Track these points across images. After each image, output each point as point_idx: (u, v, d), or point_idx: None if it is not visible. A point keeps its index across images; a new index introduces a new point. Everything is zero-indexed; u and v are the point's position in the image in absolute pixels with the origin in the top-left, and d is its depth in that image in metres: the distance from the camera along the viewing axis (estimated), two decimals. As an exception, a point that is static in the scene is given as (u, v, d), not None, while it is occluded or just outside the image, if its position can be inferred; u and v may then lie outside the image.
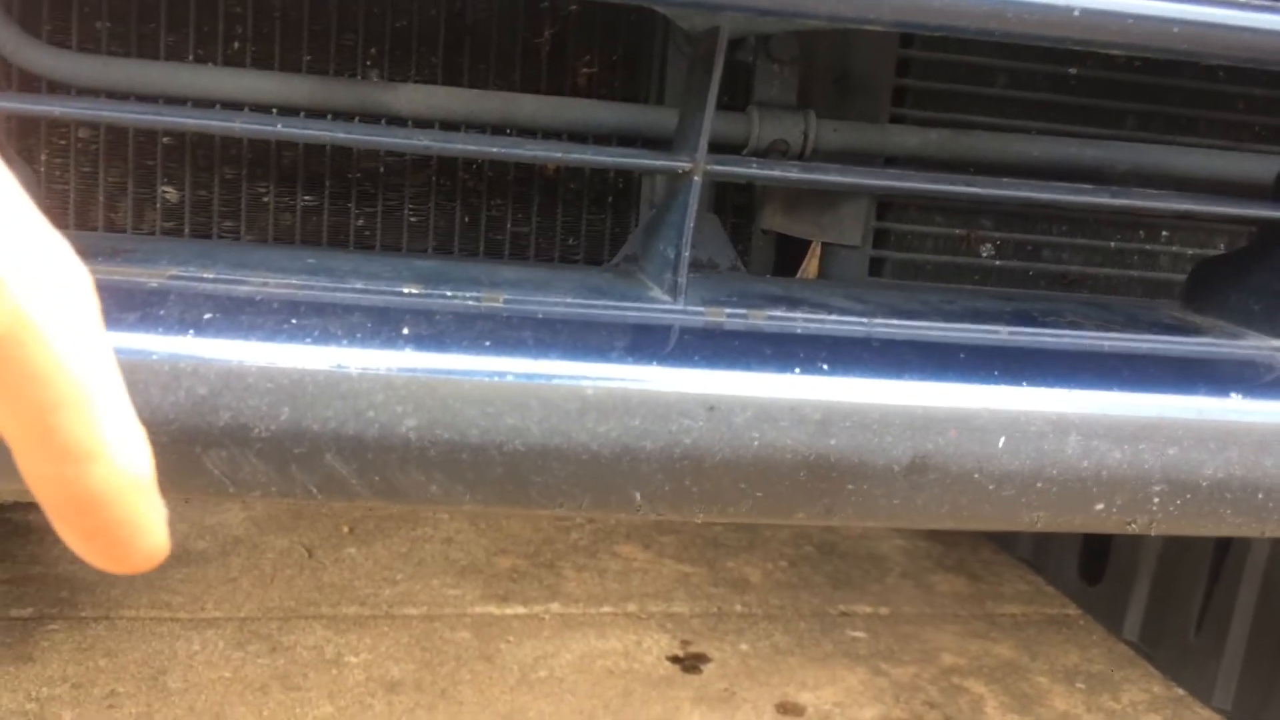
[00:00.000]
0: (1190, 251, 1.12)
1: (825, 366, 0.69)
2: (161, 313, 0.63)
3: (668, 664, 2.14)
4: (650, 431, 0.65)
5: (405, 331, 0.65)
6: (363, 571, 2.38)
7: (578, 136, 0.98)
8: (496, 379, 0.64)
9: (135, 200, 0.97)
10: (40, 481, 0.34)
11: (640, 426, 0.65)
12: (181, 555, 2.37)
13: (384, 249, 1.00)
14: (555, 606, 2.32)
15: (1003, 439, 0.69)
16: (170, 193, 0.96)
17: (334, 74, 0.98)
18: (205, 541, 2.45)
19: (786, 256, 1.16)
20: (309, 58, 0.98)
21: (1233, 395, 0.73)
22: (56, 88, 0.94)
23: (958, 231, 1.09)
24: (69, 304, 0.33)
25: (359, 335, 0.64)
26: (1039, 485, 0.70)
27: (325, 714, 1.87)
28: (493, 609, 2.28)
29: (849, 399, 0.68)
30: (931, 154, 1.00)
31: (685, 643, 2.23)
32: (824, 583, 2.56)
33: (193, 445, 0.61)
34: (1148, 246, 1.14)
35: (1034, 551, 2.68)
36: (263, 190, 0.97)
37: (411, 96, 0.91)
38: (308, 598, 2.25)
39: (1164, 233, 1.14)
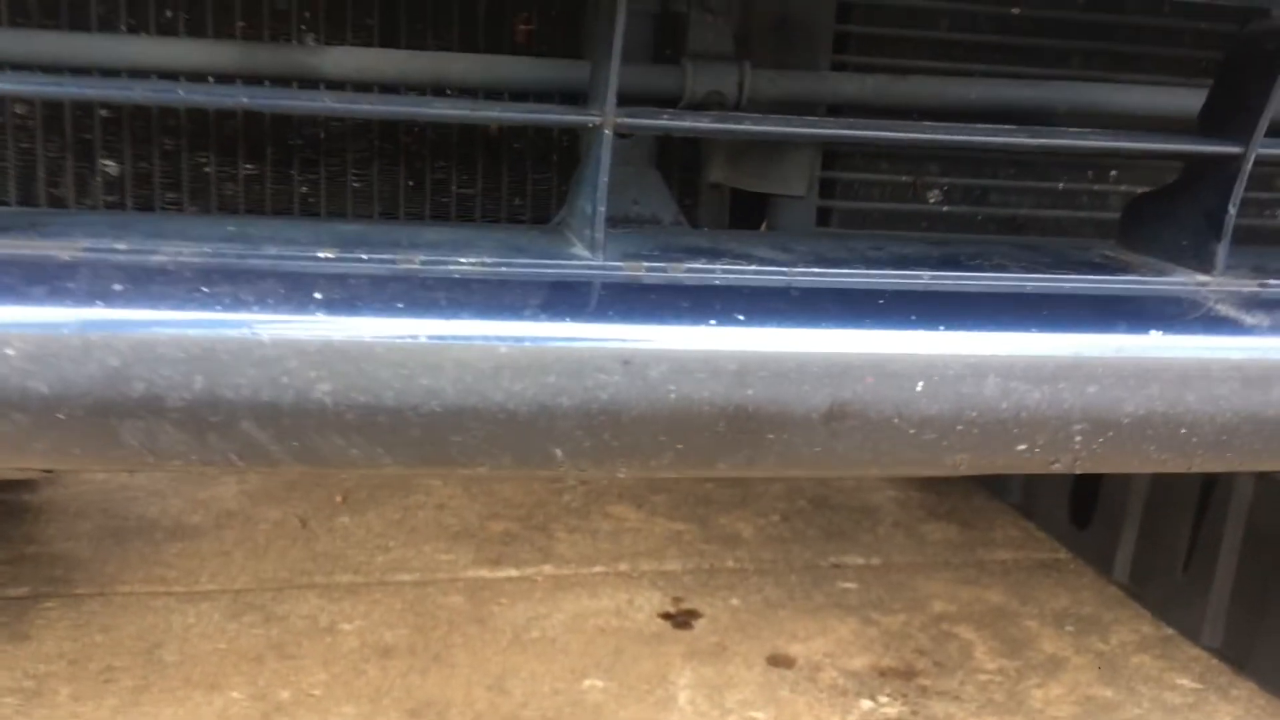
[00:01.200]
0: (1140, 190, 1.11)
1: (741, 317, 0.69)
2: (71, 285, 0.63)
3: (659, 621, 2.16)
4: (566, 388, 0.65)
5: (317, 296, 0.65)
6: (356, 540, 2.40)
7: (518, 95, 0.98)
8: (409, 341, 0.65)
9: (75, 175, 0.97)
10: None
11: (556, 383, 0.65)
12: (175, 529, 2.39)
13: (329, 215, 1.00)
14: (547, 568, 2.34)
15: (920, 383, 0.69)
16: (110, 166, 0.96)
17: (268, 40, 0.97)
18: (199, 515, 2.47)
19: (746, 211, 1.15)
20: (242, 23, 0.98)
21: (1153, 332, 0.73)
22: (-7, 65, 0.94)
23: (904, 179, 1.09)
24: None
25: (270, 301, 0.64)
26: (959, 428, 0.71)
27: (320, 681, 1.89)
28: (485, 573, 2.30)
29: (765, 348, 0.68)
30: (869, 100, 1.00)
31: (677, 599, 2.25)
32: (816, 536, 2.58)
33: (108, 417, 0.62)
34: (1096, 187, 1.14)
35: (1024, 497, 2.69)
36: (203, 160, 0.97)
37: (339, 60, 0.91)
38: (301, 568, 2.27)
39: (1112, 172, 1.13)
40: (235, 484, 2.60)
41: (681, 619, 2.19)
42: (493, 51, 0.99)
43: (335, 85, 0.95)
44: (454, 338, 0.65)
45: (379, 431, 0.65)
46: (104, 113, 0.96)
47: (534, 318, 0.67)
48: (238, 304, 0.64)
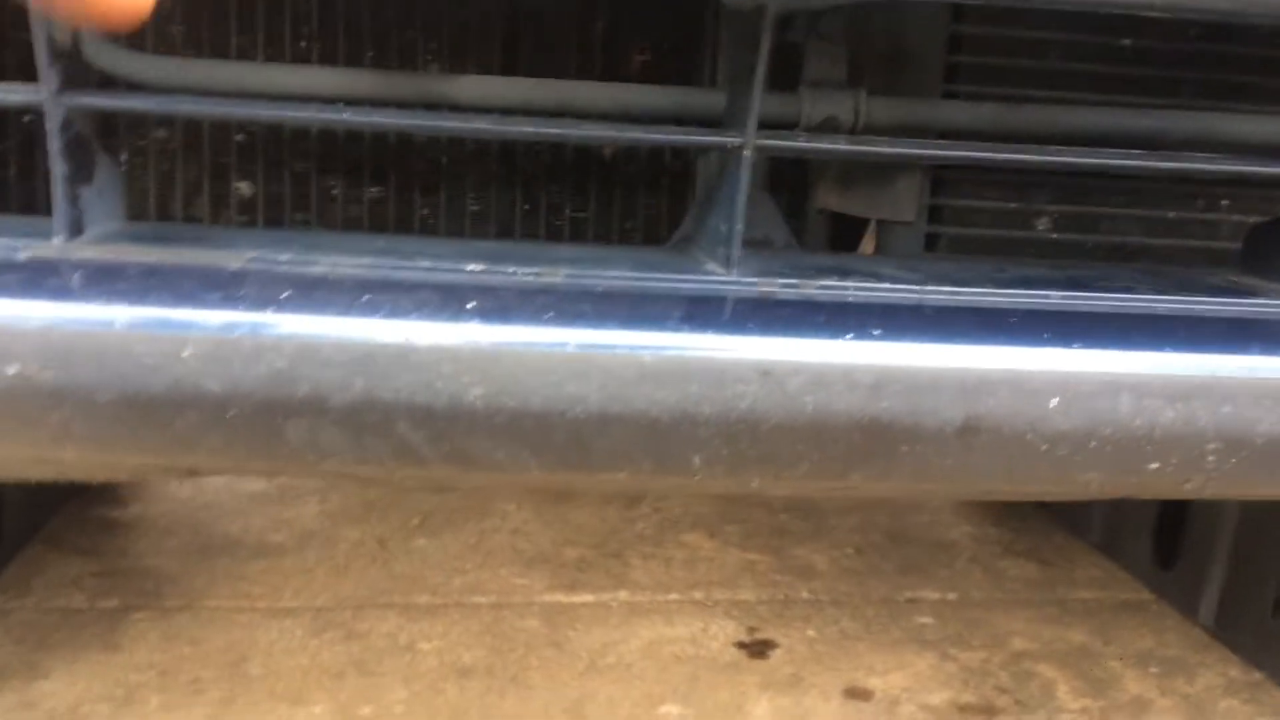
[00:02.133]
0: (1252, 219, 1.11)
1: (877, 331, 0.70)
2: (242, 292, 0.66)
3: (734, 650, 2.16)
4: (707, 397, 0.67)
5: (470, 305, 0.68)
6: (433, 562, 2.43)
7: (634, 122, 1.00)
8: (558, 349, 0.67)
9: (212, 195, 1.01)
10: None
11: (697, 392, 0.67)
12: (259, 547, 2.44)
13: (448, 237, 1.03)
14: (622, 594, 2.35)
15: (1055, 399, 0.70)
16: (244, 187, 1.00)
17: (397, 68, 1.01)
18: (282, 534, 2.52)
19: (843, 236, 1.17)
20: (372, 54, 1.02)
21: (1287, 353, 0.73)
22: (132, 89, 0.99)
23: (1013, 205, 1.09)
24: None
25: (426, 310, 0.67)
26: (1092, 445, 0.71)
27: (400, 698, 1.92)
28: (560, 597, 2.32)
29: (900, 362, 0.69)
30: (984, 128, 1.01)
31: (752, 629, 2.24)
32: (891, 569, 2.56)
33: (274, 416, 0.65)
34: (1207, 216, 1.13)
35: (1106, 536, 2.65)
36: (332, 183, 1.01)
37: (470, 87, 0.94)
38: (381, 587, 2.30)
39: (1224, 201, 1.13)
40: (316, 504, 2.65)
41: (757, 648, 2.18)
42: (609, 74, 1.02)
43: (460, 110, 0.98)
44: (600, 346, 0.67)
45: (526, 435, 0.67)
46: (240, 137, 1.00)
47: (676, 329, 0.69)
48: (396, 311, 0.67)
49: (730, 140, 0.76)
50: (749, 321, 0.70)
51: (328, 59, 1.01)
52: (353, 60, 1.02)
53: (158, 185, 1.01)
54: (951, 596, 2.45)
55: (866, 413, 0.68)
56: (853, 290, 0.76)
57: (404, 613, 2.20)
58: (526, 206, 1.04)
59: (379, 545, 2.49)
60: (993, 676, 2.12)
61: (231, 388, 0.64)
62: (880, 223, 1.07)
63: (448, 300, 0.68)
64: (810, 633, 2.24)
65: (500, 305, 0.69)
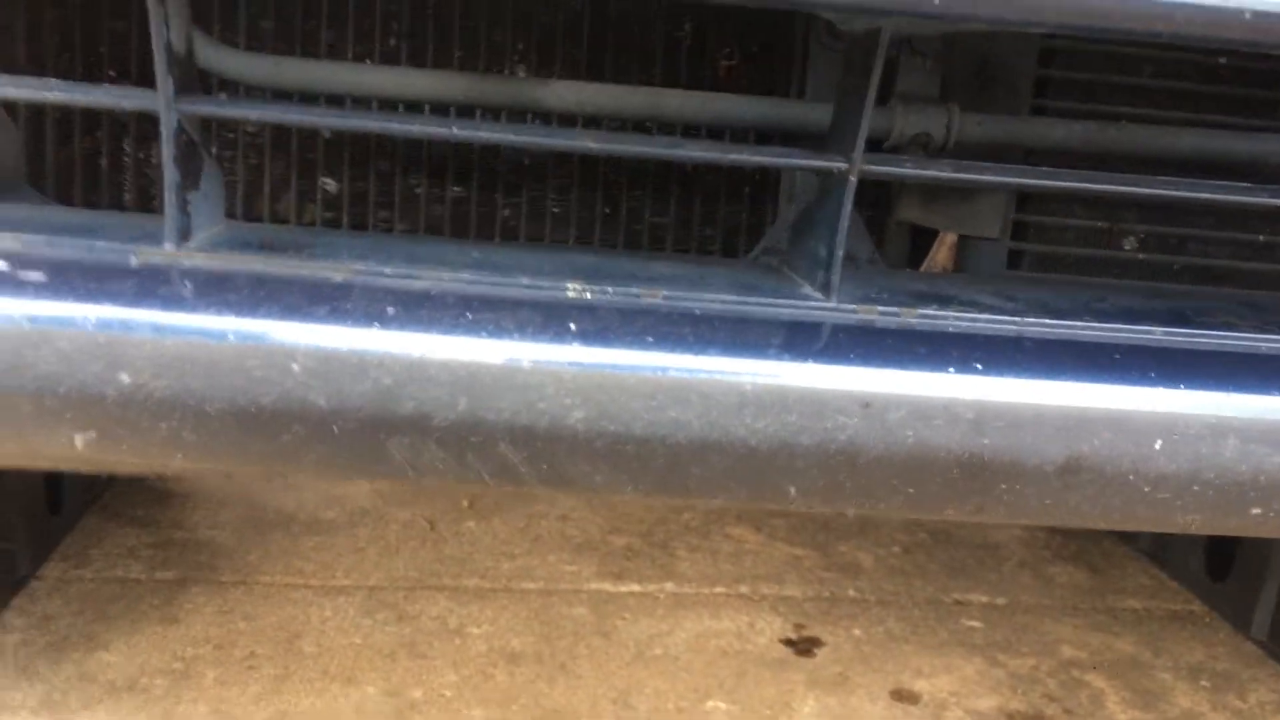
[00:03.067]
0: (1347, 245, 1.08)
1: (979, 366, 0.69)
2: (349, 306, 0.67)
3: (781, 646, 2.16)
4: (806, 427, 0.67)
5: (572, 327, 0.68)
6: (482, 545, 2.45)
7: (718, 130, 1.00)
8: (659, 374, 0.67)
9: (298, 191, 1.02)
10: None
11: (797, 422, 0.67)
12: (312, 524, 2.47)
13: (528, 238, 1.03)
14: (669, 586, 2.35)
15: (1159, 441, 0.69)
16: (330, 184, 1.01)
17: (484, 68, 1.01)
18: (334, 511, 2.55)
19: (917, 246, 1.16)
20: (460, 53, 1.02)
21: (1400, 400, 0.72)
22: (225, 84, 1.00)
23: (1100, 224, 1.08)
24: None
25: (530, 330, 0.67)
26: (1195, 488, 0.70)
27: (450, 682, 1.93)
28: (608, 586, 2.33)
29: (1003, 399, 0.69)
30: (1076, 146, 0.99)
31: (798, 626, 2.24)
32: (938, 570, 2.55)
33: (378, 432, 0.65)
34: (1300, 239, 1.11)
35: (1156, 545, 2.62)
36: (415, 183, 1.01)
37: (561, 93, 0.94)
38: (431, 569, 2.32)
39: (1317, 226, 1.10)
40: (367, 483, 2.67)
41: (804, 646, 2.18)
42: (693, 85, 1.02)
43: (546, 116, 0.98)
44: (702, 372, 0.67)
45: (625, 459, 0.67)
46: (327, 134, 1.01)
47: (778, 357, 0.69)
48: (500, 331, 0.67)
49: (837, 165, 0.75)
50: (850, 352, 0.70)
51: (416, 57, 1.01)
52: (441, 59, 1.02)
53: (246, 180, 1.02)
54: (1000, 601, 2.43)
55: (967, 449, 0.68)
56: (952, 320, 0.75)
57: (454, 596, 2.21)
58: (606, 210, 1.04)
59: (429, 527, 2.51)
60: (1041, 684, 2.10)
61: (339, 403, 0.64)
62: (963, 237, 1.06)
63: (550, 321, 0.68)
64: (857, 632, 2.23)
65: (601, 327, 0.69)
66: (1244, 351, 0.77)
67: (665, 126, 1.01)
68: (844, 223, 0.75)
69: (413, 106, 0.99)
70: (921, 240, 1.16)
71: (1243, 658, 2.24)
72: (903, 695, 2.01)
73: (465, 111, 0.99)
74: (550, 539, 2.49)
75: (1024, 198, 1.08)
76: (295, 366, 0.64)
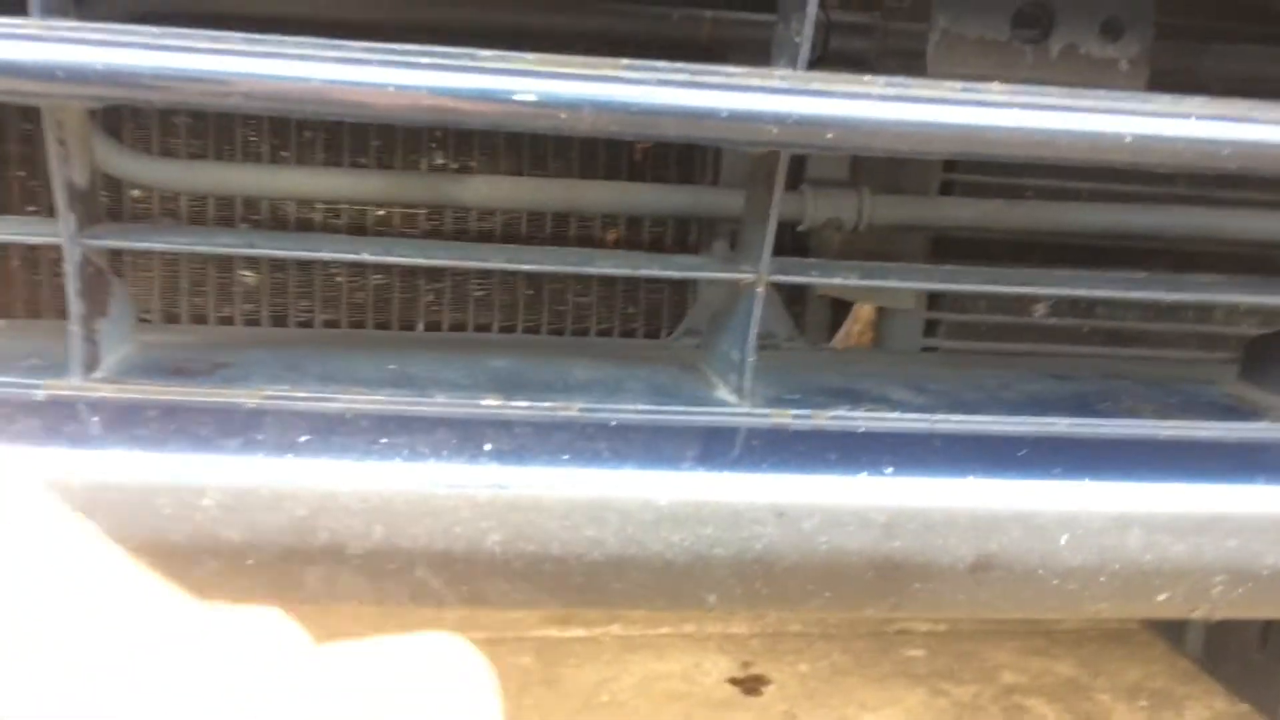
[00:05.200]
0: (1244, 305, 1.12)
1: (889, 469, 0.71)
2: (261, 436, 0.67)
3: (728, 686, 2.16)
4: (722, 539, 0.68)
5: (487, 447, 0.68)
6: (426, 597, 2.42)
7: (637, 218, 1.01)
8: (575, 493, 0.67)
9: (217, 285, 1.01)
10: None
11: (713, 535, 0.68)
12: (251, 583, 2.43)
13: (451, 326, 1.03)
14: (615, 629, 2.35)
15: (1065, 536, 0.71)
16: (249, 276, 1.00)
17: (401, 156, 1.01)
18: (273, 569, 2.51)
19: (838, 315, 1.18)
20: (377, 143, 1.02)
21: (1292, 485, 0.75)
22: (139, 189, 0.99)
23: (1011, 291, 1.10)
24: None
25: (445, 453, 0.67)
26: (1102, 579, 0.72)
27: (395, 742, 1.91)
28: (554, 632, 2.32)
29: (913, 502, 0.70)
30: (985, 224, 1.02)
31: (745, 664, 2.25)
32: (881, 600, 2.56)
33: (293, 563, 0.65)
34: (1203, 298, 1.14)
35: (1092, 566, 2.66)
36: (335, 272, 1.01)
37: (479, 188, 0.95)
38: (372, 624, 2.28)
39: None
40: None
41: (750, 685, 2.19)
42: (612, 167, 1.03)
43: (464, 209, 0.99)
44: (616, 490, 0.68)
45: (544, 578, 0.67)
46: (243, 227, 1.00)
47: (691, 469, 0.70)
48: (415, 455, 0.67)
49: (745, 275, 0.77)
50: (763, 460, 0.71)
51: (333, 148, 1.01)
52: (357, 147, 1.02)
53: (162, 276, 1.01)
54: (940, 628, 2.46)
55: (880, 552, 0.69)
56: (863, 420, 0.77)
57: (397, 650, 2.19)
58: (529, 293, 1.05)
59: (371, 579, 2.48)
60: (984, 711, 2.13)
61: (252, 536, 0.64)
62: (880, 309, 1.08)
63: (465, 441, 0.69)
64: (802, 668, 2.25)
65: (517, 445, 0.69)
66: (1145, 439, 0.80)
67: (585, 219, 1.02)
68: (753, 329, 0.76)
69: (332, 203, 0.99)
70: (840, 307, 1.18)
71: (1178, 675, 2.29)
72: (849, 732, 2.03)
73: (383, 206, 0.99)
74: (494, 586, 2.48)
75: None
76: (207, 501, 0.64)
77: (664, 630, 2.34)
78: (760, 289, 0.76)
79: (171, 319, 1.00)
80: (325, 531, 0.65)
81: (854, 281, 0.78)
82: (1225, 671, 2.23)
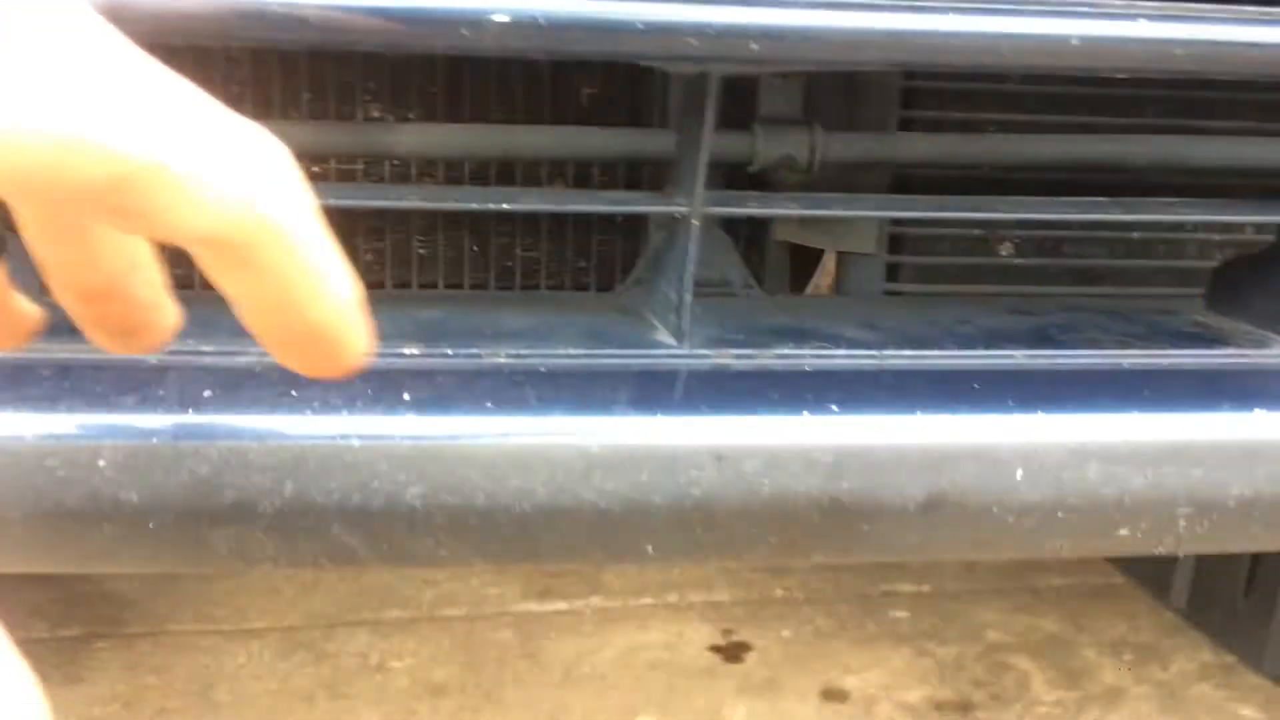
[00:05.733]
0: (1217, 238, 1.09)
1: (835, 407, 0.67)
2: (161, 393, 0.63)
3: (710, 654, 2.14)
4: (658, 485, 0.64)
5: (406, 397, 0.64)
6: (403, 575, 2.40)
7: (584, 164, 0.97)
8: (500, 441, 0.64)
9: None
10: (278, 329, 0.38)
11: (648, 481, 0.64)
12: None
13: (395, 285, 0.99)
14: (595, 601, 2.32)
15: (1020, 471, 0.68)
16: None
17: (334, 110, 0.97)
18: (247, 551, 2.47)
19: (803, 262, 1.14)
20: (308, 96, 0.97)
21: (1257, 410, 0.71)
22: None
23: (976, 231, 1.07)
24: (290, 189, 0.35)
25: (359, 404, 0.63)
26: (1060, 515, 0.69)
27: (372, 721, 1.89)
28: (533, 606, 2.29)
29: (859, 440, 0.67)
30: (943, 159, 0.98)
31: (727, 632, 2.23)
32: (864, 563, 2.55)
33: (198, 525, 0.61)
34: (1172, 235, 1.11)
35: (1076, 522, 2.65)
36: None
37: (411, 137, 0.90)
38: (350, 603, 2.27)
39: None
40: (282, 518, 2.60)
41: (732, 652, 2.17)
42: (558, 115, 0.98)
43: (403, 161, 0.94)
44: (544, 437, 0.64)
45: (470, 533, 0.64)
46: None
47: (624, 414, 0.66)
48: (326, 407, 0.63)
49: (677, 209, 0.73)
50: (701, 402, 0.67)
51: (260, 101, 0.97)
52: (289, 102, 0.97)
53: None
54: (925, 589, 2.44)
55: (826, 493, 0.66)
56: (809, 358, 0.73)
57: (375, 629, 2.16)
58: (475, 249, 1.01)
59: (347, 558, 2.45)
60: (968, 670, 2.11)
61: (152, 498, 0.60)
62: (841, 254, 1.04)
63: (381, 392, 0.65)
64: (785, 633, 2.22)
65: (438, 395, 0.65)
66: (1106, 369, 0.76)
67: (531, 163, 0.97)
68: (689, 266, 0.72)
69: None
70: (804, 259, 1.14)
71: (1163, 628, 2.27)
72: (832, 694, 2.01)
73: (314, 161, 0.95)
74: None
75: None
76: (102, 463, 0.60)
77: (646, 601, 2.31)
78: (695, 222, 0.72)
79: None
80: (231, 490, 0.61)
81: (795, 211, 0.75)
82: (1210, 623, 2.21)
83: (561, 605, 2.26)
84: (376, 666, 2.01)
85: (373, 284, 1.01)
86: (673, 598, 2.32)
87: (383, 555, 0.64)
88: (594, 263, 1.02)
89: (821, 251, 1.13)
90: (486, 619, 2.20)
